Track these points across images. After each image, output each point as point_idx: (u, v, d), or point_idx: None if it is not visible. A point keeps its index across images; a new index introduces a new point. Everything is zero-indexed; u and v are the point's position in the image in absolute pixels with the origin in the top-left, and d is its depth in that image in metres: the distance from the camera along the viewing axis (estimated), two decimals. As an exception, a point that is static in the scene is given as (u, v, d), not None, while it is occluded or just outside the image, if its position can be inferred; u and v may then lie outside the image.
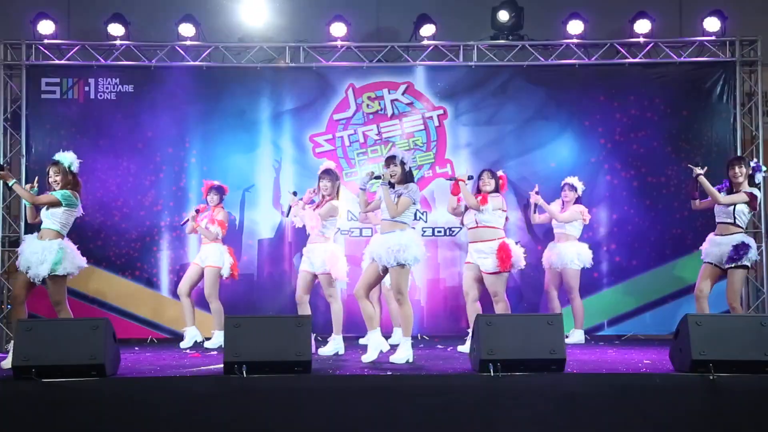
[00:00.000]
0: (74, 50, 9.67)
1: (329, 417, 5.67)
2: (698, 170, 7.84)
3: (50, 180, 7.31)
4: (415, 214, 8.02)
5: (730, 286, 7.59)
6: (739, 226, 7.68)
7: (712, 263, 7.69)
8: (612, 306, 9.60)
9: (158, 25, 9.86)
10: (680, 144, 9.62)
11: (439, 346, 8.59)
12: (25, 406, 5.62)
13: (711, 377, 5.71)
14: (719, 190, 7.74)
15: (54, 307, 7.24)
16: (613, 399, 5.75)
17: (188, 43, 9.69)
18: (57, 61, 9.65)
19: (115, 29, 9.58)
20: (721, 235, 7.68)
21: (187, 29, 9.62)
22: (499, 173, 8.17)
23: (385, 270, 7.08)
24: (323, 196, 7.95)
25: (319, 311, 9.10)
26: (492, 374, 5.73)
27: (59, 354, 5.76)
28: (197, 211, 8.75)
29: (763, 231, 9.49)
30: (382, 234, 7.18)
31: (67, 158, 7.37)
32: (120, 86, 9.70)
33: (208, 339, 8.60)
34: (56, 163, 7.35)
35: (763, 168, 7.93)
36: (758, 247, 9.45)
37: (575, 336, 8.76)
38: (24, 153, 9.54)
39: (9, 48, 9.63)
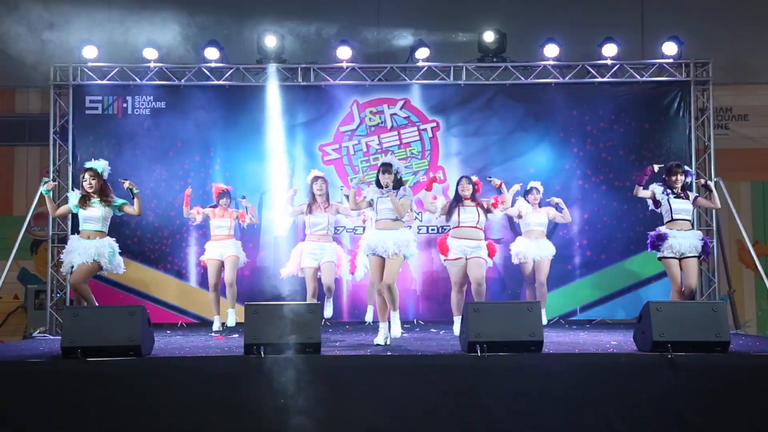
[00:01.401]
0: (114, 72, 9.67)
1: (335, 392, 5.67)
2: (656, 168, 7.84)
3: (85, 184, 7.22)
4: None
5: (694, 274, 7.50)
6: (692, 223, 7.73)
7: (675, 257, 7.59)
8: (583, 295, 9.60)
9: (187, 49, 9.86)
10: (643, 153, 9.61)
11: (433, 330, 8.59)
12: (72, 381, 5.63)
13: (669, 356, 5.70)
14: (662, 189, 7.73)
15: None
16: (584, 376, 5.73)
17: (213, 65, 9.69)
18: (99, 81, 9.66)
19: (150, 53, 9.59)
20: (682, 230, 7.62)
21: (211, 53, 9.62)
22: (474, 179, 7.95)
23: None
24: (314, 197, 7.92)
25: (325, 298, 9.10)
26: (479, 354, 5.72)
27: (101, 336, 5.75)
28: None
29: (714, 228, 9.49)
30: (384, 230, 6.90)
31: (100, 165, 7.35)
32: (153, 103, 9.71)
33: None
34: (90, 169, 7.27)
35: (693, 174, 7.97)
36: (709, 243, 9.52)
37: None
38: (71, 161, 9.56)
39: (58, 70, 9.64)
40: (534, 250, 8.79)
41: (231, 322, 8.48)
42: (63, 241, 9.43)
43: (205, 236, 9.38)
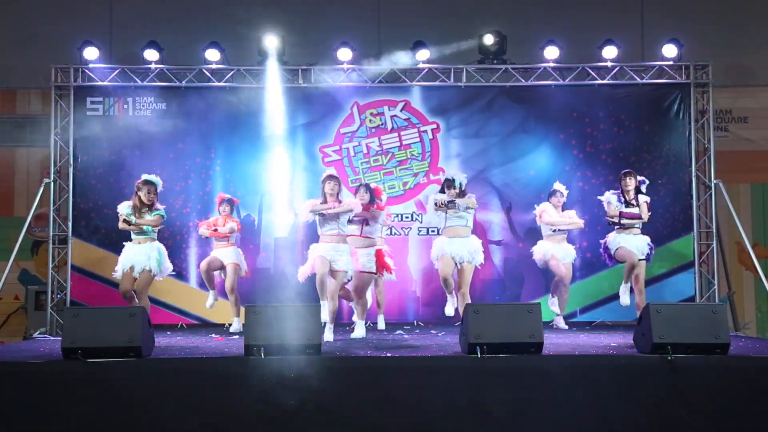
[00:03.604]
0: (115, 73, 9.67)
1: (336, 393, 5.66)
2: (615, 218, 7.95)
3: (144, 197, 7.49)
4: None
5: (641, 275, 7.80)
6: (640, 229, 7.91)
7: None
8: (584, 296, 9.59)
9: (188, 50, 9.86)
10: (642, 155, 9.62)
11: (433, 332, 8.58)
12: (72, 382, 5.62)
13: (669, 358, 5.70)
14: (617, 197, 7.90)
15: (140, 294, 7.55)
16: (584, 377, 5.73)
17: (214, 66, 9.68)
18: (100, 83, 9.65)
19: (151, 54, 9.58)
20: (633, 235, 7.76)
21: (212, 54, 9.61)
22: (374, 185, 7.94)
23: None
24: (326, 198, 7.42)
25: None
26: (479, 356, 5.71)
27: (102, 337, 5.74)
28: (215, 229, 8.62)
29: (714, 231, 9.49)
30: (457, 237, 7.66)
31: (159, 180, 7.69)
32: (154, 104, 9.71)
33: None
34: (151, 183, 7.57)
35: (647, 181, 8.00)
36: (709, 245, 9.53)
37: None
38: (72, 162, 9.55)
39: (59, 71, 9.63)
40: (560, 254, 8.61)
41: (235, 327, 8.44)
42: (63, 242, 9.45)
43: (205, 238, 9.37)
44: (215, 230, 8.54)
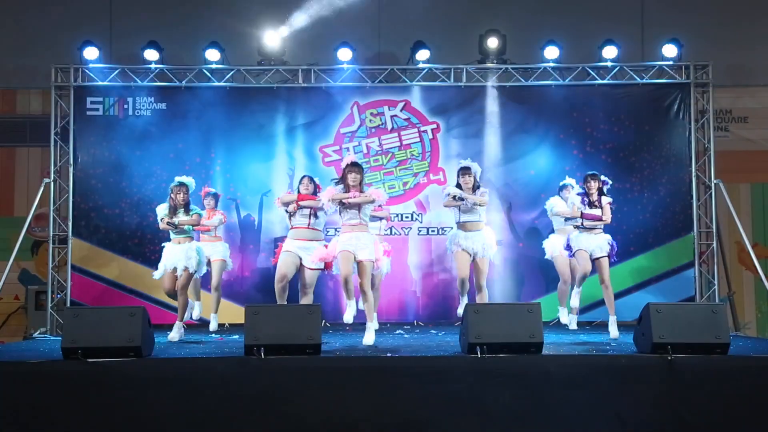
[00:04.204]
0: (115, 73, 9.66)
1: (336, 393, 5.67)
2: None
3: (181, 198, 7.60)
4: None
5: (606, 271, 7.71)
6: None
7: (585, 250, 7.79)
8: (583, 296, 9.50)
9: (188, 50, 9.86)
10: (642, 155, 9.62)
11: (433, 332, 8.58)
12: (72, 382, 5.63)
13: (669, 358, 5.70)
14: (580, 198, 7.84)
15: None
16: (584, 377, 5.73)
17: (214, 66, 9.68)
18: (100, 83, 9.64)
19: (151, 54, 9.58)
20: (594, 234, 7.72)
21: (213, 54, 9.61)
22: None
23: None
24: (348, 188, 7.06)
25: (326, 300, 9.13)
26: (479, 356, 5.72)
27: (102, 337, 5.75)
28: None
29: (714, 231, 9.49)
30: (472, 232, 7.65)
31: (191, 182, 7.76)
32: (155, 104, 9.70)
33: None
34: (184, 184, 7.67)
35: (609, 182, 7.98)
36: (709, 245, 9.53)
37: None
38: (72, 162, 9.54)
39: (59, 71, 9.62)
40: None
41: (213, 326, 8.46)
42: (63, 242, 9.44)
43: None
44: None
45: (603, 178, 7.97)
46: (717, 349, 5.84)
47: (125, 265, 9.49)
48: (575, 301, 7.85)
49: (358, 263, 6.94)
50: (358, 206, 7.00)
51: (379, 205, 7.44)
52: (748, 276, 10.09)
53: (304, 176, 7.80)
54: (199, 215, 7.76)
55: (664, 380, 5.68)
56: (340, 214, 7.11)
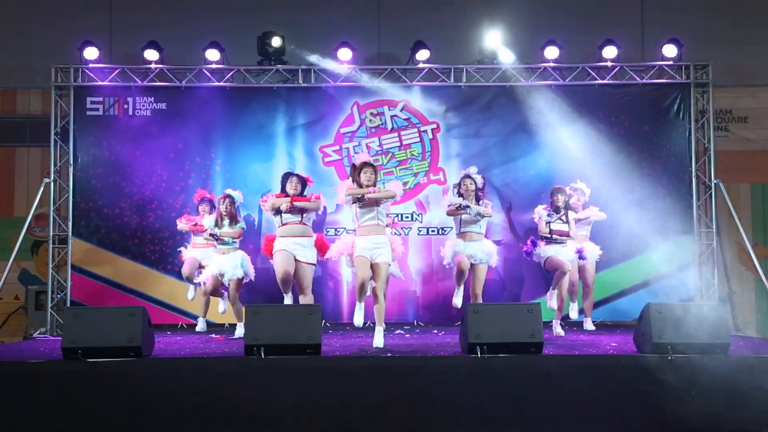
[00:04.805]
0: (115, 73, 9.66)
1: (336, 392, 5.67)
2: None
3: (223, 209, 7.95)
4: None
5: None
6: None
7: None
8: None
9: (188, 50, 9.86)
10: (643, 155, 9.61)
11: (434, 332, 8.58)
12: (72, 382, 5.63)
13: (669, 358, 5.71)
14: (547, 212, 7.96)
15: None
16: (584, 377, 5.74)
17: (214, 66, 9.68)
18: (100, 83, 9.65)
19: (151, 54, 9.58)
20: (561, 246, 7.82)
21: (212, 54, 9.61)
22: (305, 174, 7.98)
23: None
24: (361, 186, 6.80)
25: (326, 300, 9.12)
26: (479, 356, 5.72)
27: (102, 337, 5.76)
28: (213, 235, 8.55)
29: (714, 231, 9.49)
30: (471, 241, 7.70)
31: (239, 195, 8.14)
32: (154, 104, 9.70)
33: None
34: (230, 196, 8.03)
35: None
36: (709, 245, 9.53)
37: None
38: (72, 162, 9.54)
39: (59, 71, 9.63)
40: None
41: (239, 332, 8.39)
42: (63, 242, 9.45)
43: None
44: (195, 225, 8.66)
45: (568, 191, 8.06)
46: (717, 350, 5.85)
47: (125, 265, 9.50)
48: (553, 303, 7.82)
49: (374, 266, 6.72)
50: (377, 204, 6.72)
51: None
52: (748, 276, 10.09)
53: (291, 175, 7.71)
54: (243, 228, 8.05)
55: (664, 380, 5.68)
56: (356, 215, 6.81)
